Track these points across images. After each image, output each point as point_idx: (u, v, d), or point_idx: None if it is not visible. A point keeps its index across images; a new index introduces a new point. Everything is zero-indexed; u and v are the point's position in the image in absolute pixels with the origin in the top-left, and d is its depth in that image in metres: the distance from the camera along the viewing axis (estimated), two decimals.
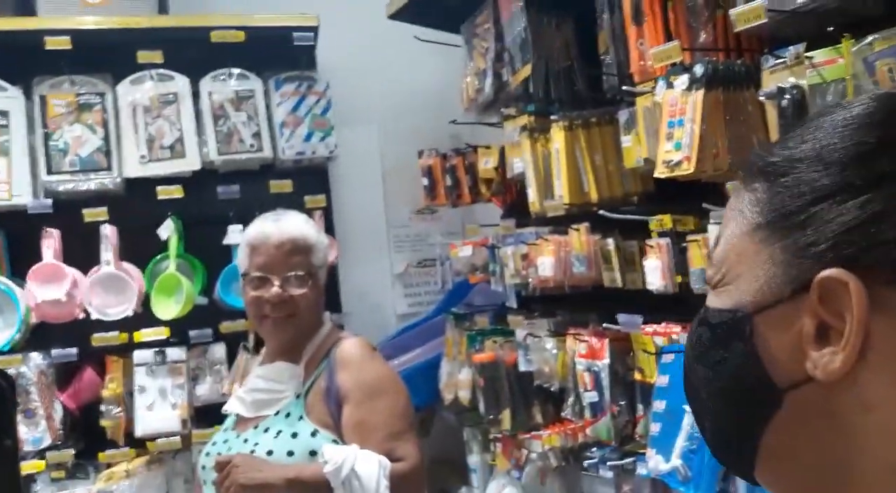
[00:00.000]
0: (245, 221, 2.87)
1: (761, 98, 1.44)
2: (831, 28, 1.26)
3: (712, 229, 1.68)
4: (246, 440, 1.71)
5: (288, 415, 1.72)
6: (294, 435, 1.68)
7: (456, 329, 2.78)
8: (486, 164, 2.63)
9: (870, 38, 1.20)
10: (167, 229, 2.94)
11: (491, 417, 2.47)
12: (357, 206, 3.31)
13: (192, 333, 2.97)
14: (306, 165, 3.17)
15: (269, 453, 1.66)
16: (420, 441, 1.82)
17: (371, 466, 1.59)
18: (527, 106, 2.30)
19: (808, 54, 1.34)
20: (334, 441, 1.68)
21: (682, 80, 1.59)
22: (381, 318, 3.39)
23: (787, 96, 1.35)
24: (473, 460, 2.70)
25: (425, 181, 2.99)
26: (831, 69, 1.30)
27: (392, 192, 3.43)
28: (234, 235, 2.98)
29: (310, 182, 3.16)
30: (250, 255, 1.80)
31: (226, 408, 1.87)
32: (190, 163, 3.00)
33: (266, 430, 1.71)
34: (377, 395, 1.72)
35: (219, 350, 3.00)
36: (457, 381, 2.71)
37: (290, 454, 1.66)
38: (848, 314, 0.48)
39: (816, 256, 0.50)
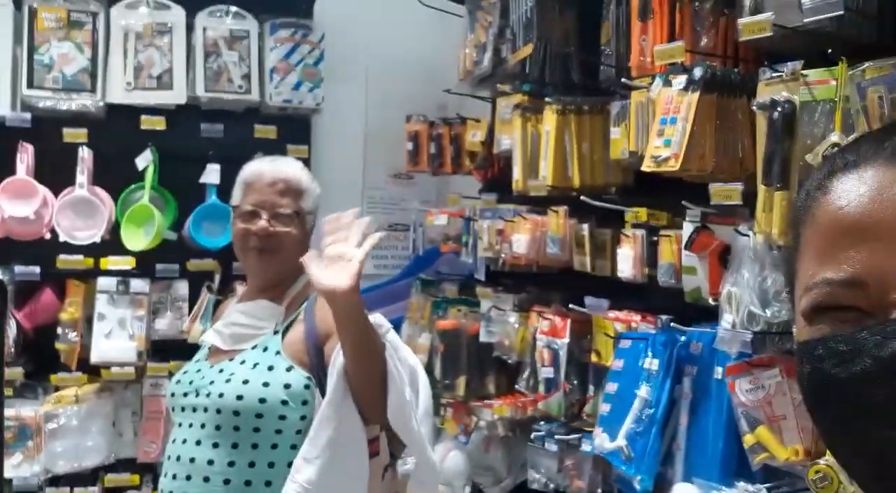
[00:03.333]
0: (224, 161, 2.90)
1: (754, 108, 1.51)
2: (830, 50, 1.32)
3: (686, 226, 1.76)
4: (221, 370, 1.74)
5: (265, 349, 1.76)
6: (270, 368, 1.72)
7: (422, 295, 2.83)
8: (474, 137, 2.67)
9: (864, 65, 1.27)
10: (145, 160, 2.92)
11: (446, 382, 2.54)
12: (336, 162, 3.33)
13: (158, 266, 2.97)
14: (291, 113, 3.17)
15: (245, 382, 1.70)
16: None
17: (408, 353, 1.67)
18: (522, 85, 2.34)
19: (803, 72, 1.41)
20: (308, 379, 1.72)
21: (680, 80, 1.65)
22: None
23: (779, 109, 1.42)
24: None
25: (409, 146, 3.02)
26: (823, 89, 1.38)
27: (372, 152, 3.45)
28: (212, 174, 2.98)
29: (293, 131, 3.17)
30: (244, 190, 1.84)
31: (202, 339, 1.90)
32: (176, 96, 2.97)
33: (242, 362, 1.74)
34: None
35: (182, 287, 3.01)
36: (416, 345, 2.77)
37: (266, 385, 1.70)
38: None
39: None
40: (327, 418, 1.61)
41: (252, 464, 1.68)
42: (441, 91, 2.85)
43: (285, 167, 1.88)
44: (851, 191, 0.53)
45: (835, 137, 1.34)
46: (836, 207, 0.53)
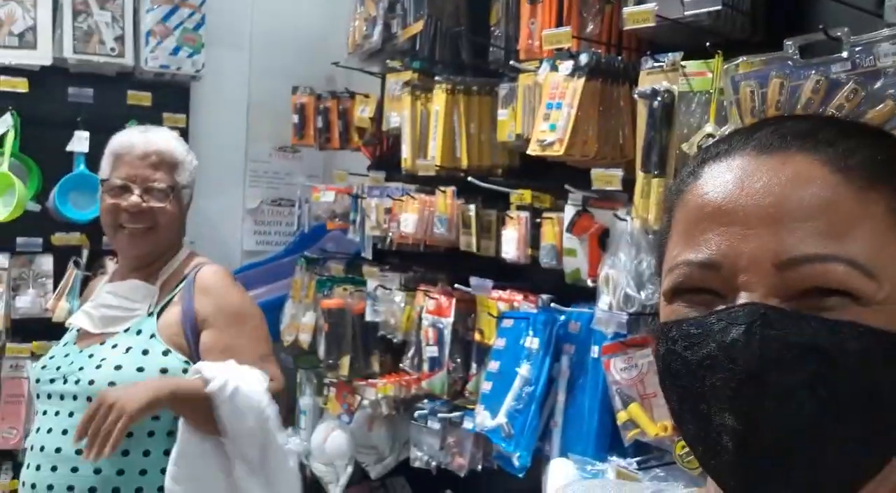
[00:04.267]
0: (94, 129, 2.71)
1: (636, 96, 1.55)
2: (708, 44, 1.38)
3: (568, 209, 1.80)
4: (91, 355, 1.64)
5: (139, 332, 1.66)
6: (145, 352, 1.63)
7: (306, 273, 2.77)
8: (363, 112, 2.62)
9: (738, 60, 1.33)
10: (4, 124, 2.68)
11: (330, 362, 2.50)
12: (216, 133, 3.18)
13: (18, 240, 2.75)
14: (168, 80, 3.00)
15: (118, 368, 1.61)
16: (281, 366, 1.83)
17: (253, 380, 1.59)
18: (412, 62, 2.32)
19: (682, 63, 1.46)
20: (186, 363, 1.64)
21: (566, 66, 1.68)
22: (225, 251, 3.30)
23: (659, 98, 1.47)
24: (305, 402, 2.73)
25: (295, 119, 2.93)
26: (700, 81, 1.43)
27: (256, 124, 3.33)
28: (80, 141, 2.78)
29: (170, 99, 3.00)
30: (113, 163, 1.73)
31: (69, 321, 1.77)
32: (40, 56, 2.74)
33: (114, 346, 1.64)
34: (242, 320, 1.72)
35: (46, 262, 2.80)
36: (299, 324, 2.72)
37: (140, 369, 1.61)
38: None
39: None
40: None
41: (126, 453, 1.59)
42: (329, 64, 2.78)
43: (158, 138, 1.77)
44: (718, 178, 0.54)
45: (709, 128, 1.40)
46: (702, 191, 0.54)
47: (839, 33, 1.22)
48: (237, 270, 3.11)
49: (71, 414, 1.61)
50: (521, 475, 1.79)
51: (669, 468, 1.49)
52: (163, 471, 1.56)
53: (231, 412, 1.54)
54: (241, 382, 1.57)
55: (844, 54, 1.22)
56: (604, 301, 1.62)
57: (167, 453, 1.58)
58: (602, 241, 1.71)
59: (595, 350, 1.71)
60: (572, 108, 1.62)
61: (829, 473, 0.50)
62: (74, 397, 1.62)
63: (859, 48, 1.21)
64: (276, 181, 3.42)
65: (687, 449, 1.40)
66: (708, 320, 0.51)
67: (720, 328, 0.50)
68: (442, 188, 2.18)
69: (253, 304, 1.86)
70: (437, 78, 2.17)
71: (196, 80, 3.06)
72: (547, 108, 1.71)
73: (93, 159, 2.59)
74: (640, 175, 1.54)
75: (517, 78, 1.93)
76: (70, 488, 1.58)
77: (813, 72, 1.25)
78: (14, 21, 2.70)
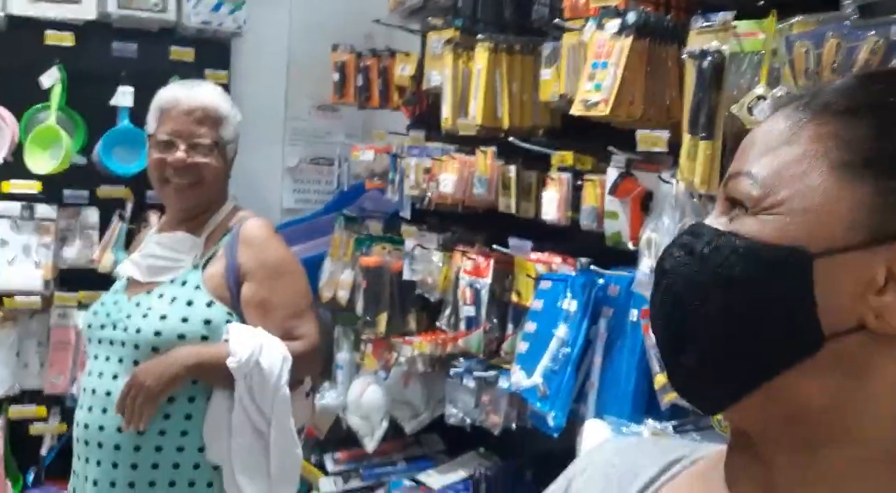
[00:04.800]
0: (138, 84, 2.75)
1: (684, 56, 1.52)
2: (761, 2, 1.34)
3: (611, 172, 1.78)
4: (138, 304, 1.69)
5: (184, 283, 1.71)
6: (189, 303, 1.68)
7: (345, 231, 2.79)
8: (403, 71, 2.61)
9: (793, 20, 1.29)
10: (51, 78, 2.73)
11: (367, 318, 2.54)
12: (257, 90, 3.20)
13: (66, 192, 2.82)
14: (210, 37, 3.01)
15: (163, 317, 1.65)
16: (318, 321, 1.88)
17: (274, 359, 1.64)
18: (454, 20, 2.29)
19: (734, 23, 1.42)
20: (229, 314, 1.68)
21: (613, 24, 1.65)
22: (265, 209, 3.32)
23: (709, 59, 1.44)
24: (342, 357, 2.77)
25: (336, 77, 2.93)
26: (751, 41, 1.40)
27: (295, 82, 3.33)
28: (124, 96, 2.82)
29: (212, 55, 3.02)
30: (159, 118, 1.75)
31: (118, 270, 1.83)
32: (85, 11, 2.77)
33: (160, 296, 1.69)
34: (280, 275, 1.75)
35: (92, 215, 2.87)
36: (338, 280, 2.75)
37: (185, 320, 1.66)
38: None
39: None
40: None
41: (171, 400, 1.65)
42: (370, 21, 2.76)
43: (203, 94, 1.79)
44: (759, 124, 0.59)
45: (760, 90, 1.36)
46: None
47: None
48: (277, 226, 3.14)
49: (121, 360, 1.66)
50: (555, 435, 1.80)
51: (705, 431, 1.50)
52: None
53: (247, 389, 1.62)
54: (263, 358, 1.63)
55: None
56: (645, 264, 1.61)
57: (209, 400, 1.63)
58: (645, 204, 1.69)
59: (634, 314, 1.70)
60: (618, 67, 1.59)
61: (711, 373, 0.53)
62: (123, 344, 1.67)
63: None
64: (316, 140, 3.43)
65: None
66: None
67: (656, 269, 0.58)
68: (482, 148, 2.17)
69: (294, 259, 1.89)
70: (479, 36, 2.15)
71: (237, 37, 3.07)
72: (592, 67, 1.68)
73: (136, 114, 2.63)
74: (686, 137, 1.51)
75: (561, 37, 1.90)
76: (119, 429, 1.65)
77: (872, 33, 1.20)
78: None
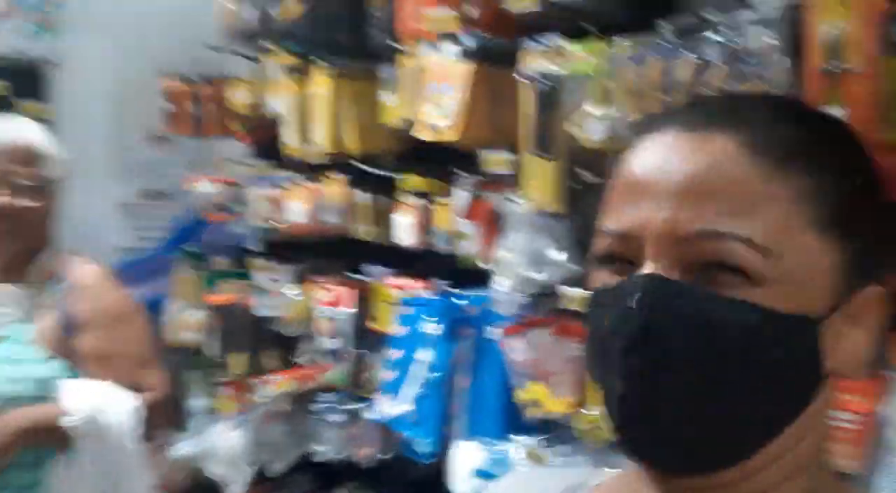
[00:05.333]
0: None
1: (521, 79, 1.55)
2: (589, 27, 1.39)
3: (459, 194, 1.79)
4: None
5: (13, 340, 1.54)
6: (18, 362, 1.51)
7: (189, 268, 2.65)
8: (239, 98, 2.51)
9: (616, 42, 1.36)
10: None
11: (221, 360, 2.41)
12: (82, 122, 2.97)
13: None
14: (24, 66, 2.77)
15: None
16: (166, 368, 1.75)
17: (120, 415, 1.50)
18: (291, 45, 2.23)
19: (563, 45, 1.48)
20: (69, 370, 1.53)
21: (450, 48, 1.66)
22: (98, 250, 3.11)
23: (544, 81, 1.48)
24: (195, 404, 2.62)
25: (167, 106, 2.78)
26: (582, 64, 1.45)
27: (124, 112, 3.13)
28: None
29: (27, 86, 2.78)
30: None
31: None
32: None
33: None
34: (119, 323, 1.62)
35: None
36: (184, 322, 2.60)
37: (15, 381, 1.50)
38: (879, 314, 0.55)
39: (878, 263, 0.54)
40: None
41: (9, 469, 1.48)
42: (201, 47, 2.64)
43: (18, 130, 1.63)
44: (644, 151, 0.55)
45: (593, 110, 1.42)
46: (629, 163, 0.56)
47: (709, 15, 1.26)
48: (113, 268, 2.93)
49: None
50: (426, 462, 1.79)
51: (574, 443, 1.53)
52: None
53: (89, 448, 1.49)
54: (107, 416, 1.49)
55: (715, 36, 1.26)
56: (500, 284, 1.63)
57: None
58: (495, 224, 1.71)
59: (494, 332, 1.72)
60: (461, 91, 1.61)
61: (708, 441, 0.52)
62: None
63: (727, 29, 1.25)
64: (151, 173, 3.24)
65: (589, 424, 1.44)
66: (615, 288, 0.54)
67: (622, 296, 0.52)
68: (330, 175, 2.12)
69: (133, 303, 1.78)
70: (317, 61, 2.11)
71: (55, 66, 2.83)
72: (434, 90, 1.69)
73: None
74: (528, 157, 1.55)
75: (400, 61, 1.90)
76: None
77: (687, 53, 1.28)
78: None
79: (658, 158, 0.54)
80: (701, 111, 0.56)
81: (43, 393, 1.51)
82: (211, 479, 2.45)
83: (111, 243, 3.19)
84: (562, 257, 1.51)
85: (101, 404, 1.51)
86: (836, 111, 1.09)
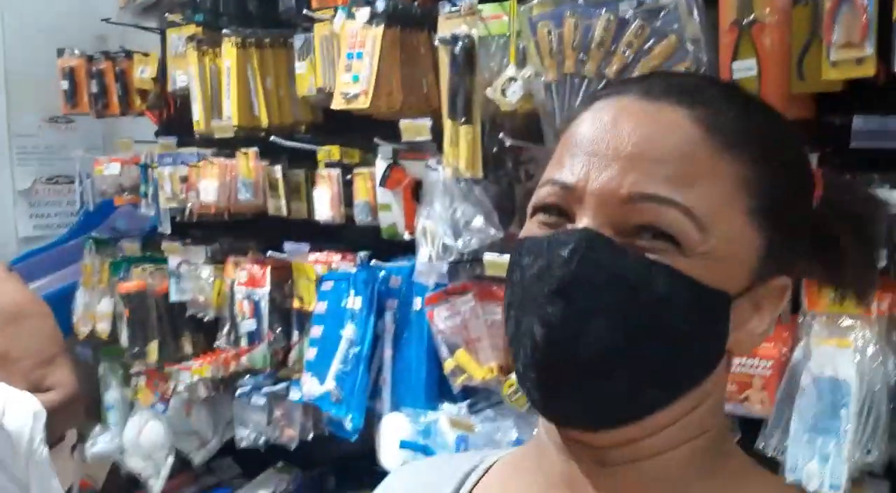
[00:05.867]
0: None
1: (436, 43, 1.52)
2: None
3: (379, 164, 1.75)
4: None
5: None
6: None
7: (97, 256, 2.52)
8: (143, 73, 2.39)
9: (533, 2, 1.34)
10: None
11: (135, 349, 2.31)
12: None
13: None
14: None
15: None
16: (73, 365, 1.66)
17: (22, 418, 1.40)
18: (194, 15, 2.13)
19: (479, 6, 1.45)
20: None
21: (363, 13, 1.61)
22: None
23: (460, 44, 1.45)
24: (111, 396, 2.50)
25: (65, 85, 2.62)
26: (497, 24, 1.43)
27: (17, 93, 2.95)
28: None
29: None
30: None
31: None
32: None
33: None
34: (19, 320, 1.54)
35: None
36: (95, 312, 2.48)
37: None
38: (779, 305, 0.58)
39: (790, 257, 0.58)
40: None
41: None
42: (99, 20, 2.50)
43: None
44: (600, 112, 0.57)
45: (510, 72, 1.40)
46: (582, 122, 0.57)
47: None
48: (14, 260, 2.77)
49: None
50: (353, 438, 1.75)
51: (498, 407, 1.53)
52: None
53: None
54: (7, 420, 1.40)
55: None
56: (423, 253, 1.61)
57: None
58: (416, 193, 1.68)
59: (418, 302, 1.70)
60: (373, 57, 1.56)
61: (614, 396, 0.54)
62: None
63: None
64: (50, 157, 3.07)
65: (514, 388, 1.44)
66: (548, 238, 0.55)
67: (554, 246, 0.54)
68: (243, 150, 2.04)
69: (34, 298, 1.70)
70: (224, 31, 2.01)
71: None
72: (347, 58, 1.64)
73: None
74: (447, 123, 1.52)
75: (312, 28, 1.83)
76: None
77: (603, 10, 1.28)
78: None
79: (612, 119, 0.56)
80: (660, 83, 0.58)
81: None
82: (131, 473, 2.36)
83: (12, 234, 3.01)
84: (483, 222, 1.50)
85: (2, 409, 1.41)
86: (749, 63, 1.11)
